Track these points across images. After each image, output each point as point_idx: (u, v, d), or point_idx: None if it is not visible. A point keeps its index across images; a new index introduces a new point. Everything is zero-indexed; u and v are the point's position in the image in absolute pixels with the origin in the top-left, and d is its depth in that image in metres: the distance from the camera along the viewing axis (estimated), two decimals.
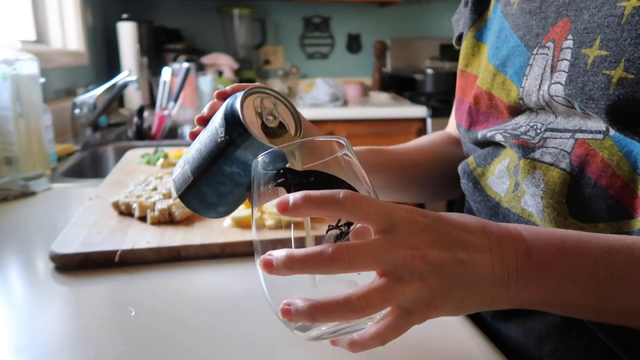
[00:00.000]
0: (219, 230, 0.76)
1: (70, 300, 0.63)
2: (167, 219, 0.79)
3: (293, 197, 0.35)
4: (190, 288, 0.64)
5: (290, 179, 0.39)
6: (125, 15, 2.37)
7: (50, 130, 1.28)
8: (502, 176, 0.57)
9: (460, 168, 0.65)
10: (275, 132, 0.46)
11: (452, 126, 0.81)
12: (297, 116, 0.48)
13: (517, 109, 0.56)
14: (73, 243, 0.70)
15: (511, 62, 0.56)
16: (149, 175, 1.00)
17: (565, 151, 0.49)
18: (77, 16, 2.11)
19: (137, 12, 2.60)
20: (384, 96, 2.85)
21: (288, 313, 0.35)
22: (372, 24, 3.15)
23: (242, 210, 0.79)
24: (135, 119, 1.87)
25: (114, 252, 0.68)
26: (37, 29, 2.01)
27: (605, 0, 0.47)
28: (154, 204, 0.80)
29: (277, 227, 0.76)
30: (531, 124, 0.54)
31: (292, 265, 0.35)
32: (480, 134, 0.60)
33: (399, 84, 3.02)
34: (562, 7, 0.51)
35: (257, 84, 0.48)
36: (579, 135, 0.49)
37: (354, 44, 3.17)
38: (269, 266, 0.35)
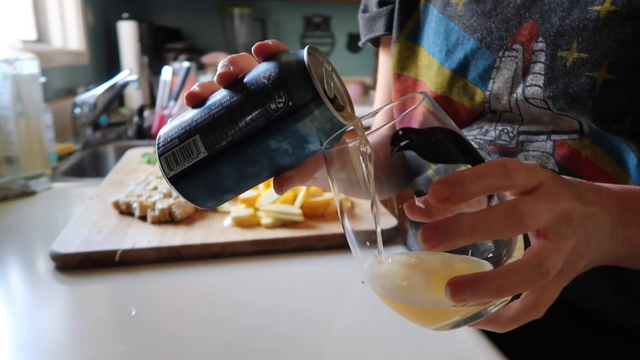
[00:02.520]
0: (219, 229, 0.76)
1: (71, 299, 0.63)
2: (168, 219, 0.79)
3: (456, 179, 0.29)
4: (191, 287, 0.64)
5: (416, 140, 0.33)
6: (125, 15, 2.37)
7: (50, 130, 1.28)
8: None
9: (422, 183, 0.63)
10: (333, 104, 0.37)
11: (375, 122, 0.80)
12: (346, 90, 0.40)
13: (478, 113, 0.56)
14: (73, 242, 0.70)
15: (472, 65, 0.55)
16: (150, 174, 1.00)
17: (547, 153, 0.50)
18: (77, 15, 2.11)
19: (137, 12, 2.60)
20: None
21: (462, 291, 0.29)
22: None
23: (242, 210, 0.79)
24: (136, 119, 1.87)
25: (114, 252, 0.68)
26: (38, 28, 2.01)
27: (573, 4, 0.47)
28: (155, 203, 0.80)
29: (274, 226, 0.77)
30: (499, 128, 0.54)
31: (474, 230, 0.29)
32: None
33: None
34: (522, 9, 0.51)
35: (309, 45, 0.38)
36: (555, 137, 0.50)
37: (354, 44, 3.17)
38: (434, 239, 0.29)
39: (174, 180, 0.38)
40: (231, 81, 0.37)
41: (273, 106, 0.35)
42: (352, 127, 0.36)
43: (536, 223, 0.30)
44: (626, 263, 0.41)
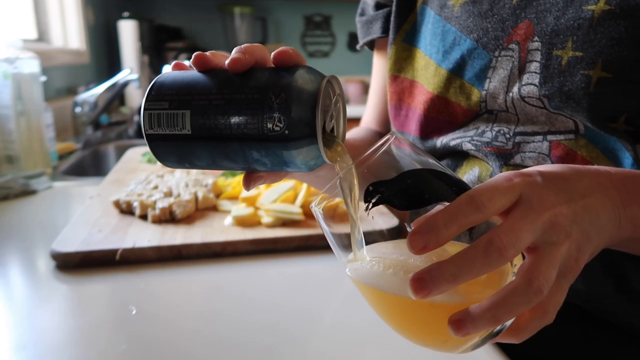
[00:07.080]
0: (220, 228, 0.76)
1: (71, 298, 0.63)
2: (168, 218, 0.79)
3: (428, 227, 0.30)
4: (191, 286, 0.64)
5: (386, 192, 0.33)
6: (126, 14, 2.37)
7: (51, 129, 1.28)
8: None
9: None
10: (327, 138, 0.37)
11: (367, 124, 0.80)
12: (345, 122, 0.40)
13: (474, 113, 0.56)
14: (74, 241, 0.70)
15: (468, 65, 0.55)
16: (150, 173, 1.00)
17: (543, 154, 0.50)
18: (78, 15, 2.11)
19: (138, 11, 2.60)
20: None
21: (463, 327, 0.30)
22: None
23: (243, 209, 0.79)
24: (136, 118, 1.87)
25: (114, 251, 0.68)
26: (39, 27, 2.01)
27: (567, 4, 0.48)
28: (155, 202, 0.80)
29: (274, 225, 0.77)
30: (495, 129, 0.54)
31: (457, 276, 0.30)
32: (440, 142, 0.59)
33: None
34: (518, 10, 0.52)
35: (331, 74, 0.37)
36: (551, 137, 0.50)
37: (355, 43, 3.16)
38: (423, 289, 0.30)
39: (150, 138, 0.38)
40: (242, 70, 0.36)
41: (270, 125, 0.34)
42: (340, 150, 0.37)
43: (518, 250, 0.31)
44: (631, 247, 0.41)
